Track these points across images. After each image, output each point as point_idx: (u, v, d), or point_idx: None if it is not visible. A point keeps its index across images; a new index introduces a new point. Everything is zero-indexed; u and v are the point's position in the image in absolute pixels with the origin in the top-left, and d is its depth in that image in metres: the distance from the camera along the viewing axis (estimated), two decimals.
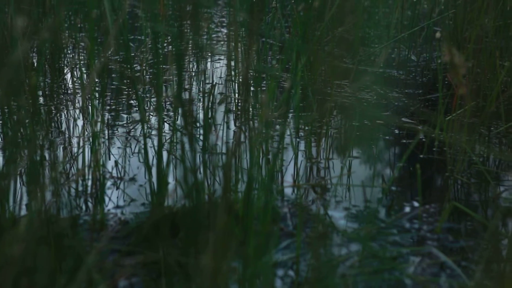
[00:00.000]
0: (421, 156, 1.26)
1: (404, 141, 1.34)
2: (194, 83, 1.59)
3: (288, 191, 1.11)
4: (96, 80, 1.54)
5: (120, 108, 1.47)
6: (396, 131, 1.38)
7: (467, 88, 1.13)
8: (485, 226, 0.99)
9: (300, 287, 0.81)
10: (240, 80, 1.57)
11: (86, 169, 1.12)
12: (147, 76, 1.69)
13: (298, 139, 1.31)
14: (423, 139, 1.32)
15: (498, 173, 1.19)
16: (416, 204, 1.06)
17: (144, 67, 1.72)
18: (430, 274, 0.86)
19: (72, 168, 1.15)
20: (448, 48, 0.91)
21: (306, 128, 1.34)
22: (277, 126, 1.34)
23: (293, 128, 1.34)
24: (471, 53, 1.50)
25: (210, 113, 1.22)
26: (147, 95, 1.55)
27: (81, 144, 1.23)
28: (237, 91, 1.55)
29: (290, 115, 1.40)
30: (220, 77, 1.72)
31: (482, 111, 1.40)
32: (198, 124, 1.29)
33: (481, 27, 1.60)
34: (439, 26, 2.12)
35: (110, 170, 1.15)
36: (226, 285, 0.74)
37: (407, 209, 1.05)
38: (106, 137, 1.30)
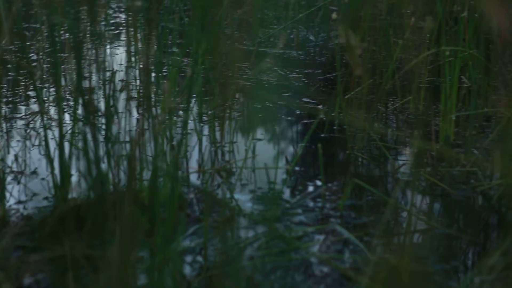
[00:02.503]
0: (322, 135, 1.29)
1: (306, 121, 1.36)
2: (94, 71, 1.57)
3: (193, 177, 1.11)
4: None
5: (18, 100, 1.43)
6: (298, 112, 1.41)
7: (363, 67, 1.16)
8: (385, 200, 1.03)
9: (209, 272, 0.82)
10: (141, 66, 1.55)
11: None
12: (45, 66, 1.65)
13: (201, 124, 1.31)
14: (324, 119, 1.35)
15: (396, 148, 1.23)
16: (319, 183, 1.09)
17: (41, 57, 1.68)
18: (335, 251, 0.89)
19: None
20: (343, 30, 0.94)
21: (209, 112, 1.35)
22: (180, 112, 1.34)
23: (196, 114, 1.34)
24: (367, 31, 1.54)
25: (111, 102, 1.21)
26: (46, 85, 1.51)
27: None
28: (138, 78, 1.54)
29: (193, 100, 1.40)
30: (121, 64, 1.70)
31: (378, 89, 1.44)
32: (99, 113, 1.27)
33: (375, 6, 1.65)
34: (335, 5, 2.16)
35: (9, 164, 1.12)
36: (134, 275, 0.74)
37: (311, 189, 1.07)
38: (4, 130, 1.26)
